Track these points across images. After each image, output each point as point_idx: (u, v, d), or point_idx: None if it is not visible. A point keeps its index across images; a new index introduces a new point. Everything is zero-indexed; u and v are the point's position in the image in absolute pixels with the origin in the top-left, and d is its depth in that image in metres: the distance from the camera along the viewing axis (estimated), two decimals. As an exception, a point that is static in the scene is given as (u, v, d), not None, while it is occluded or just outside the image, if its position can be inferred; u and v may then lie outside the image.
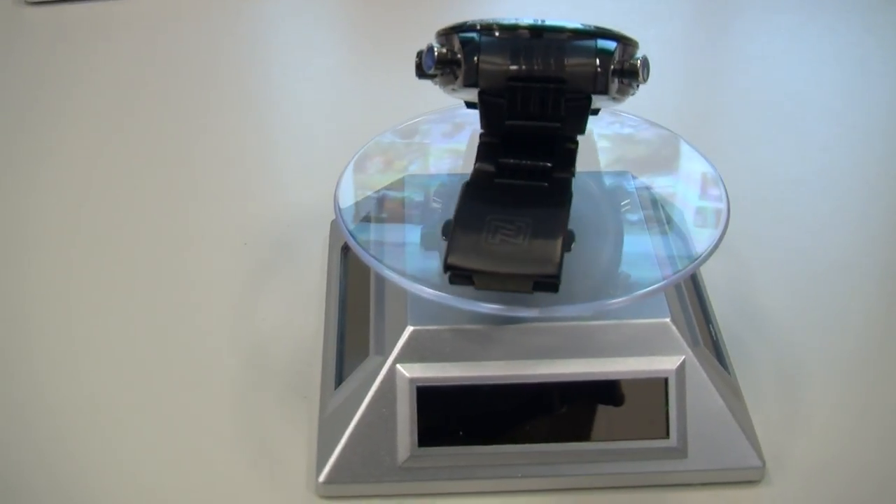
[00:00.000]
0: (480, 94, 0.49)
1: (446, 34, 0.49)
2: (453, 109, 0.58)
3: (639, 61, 0.48)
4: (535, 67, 0.48)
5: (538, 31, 0.48)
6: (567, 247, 0.47)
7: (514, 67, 0.48)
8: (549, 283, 0.46)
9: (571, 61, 0.48)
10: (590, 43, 0.48)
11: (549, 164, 0.49)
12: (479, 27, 0.49)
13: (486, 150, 0.50)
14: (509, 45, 0.49)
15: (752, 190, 0.68)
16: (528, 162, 0.49)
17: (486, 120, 0.50)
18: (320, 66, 0.82)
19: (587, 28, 0.49)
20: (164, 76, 0.79)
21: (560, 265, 0.45)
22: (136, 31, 0.83)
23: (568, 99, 0.48)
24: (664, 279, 0.50)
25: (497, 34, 0.49)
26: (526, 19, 0.49)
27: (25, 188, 0.69)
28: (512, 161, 0.50)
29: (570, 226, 0.48)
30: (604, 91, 0.48)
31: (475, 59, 0.48)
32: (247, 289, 0.62)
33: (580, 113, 0.48)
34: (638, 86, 0.50)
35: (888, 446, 0.54)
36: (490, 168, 0.50)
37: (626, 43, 0.49)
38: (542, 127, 0.49)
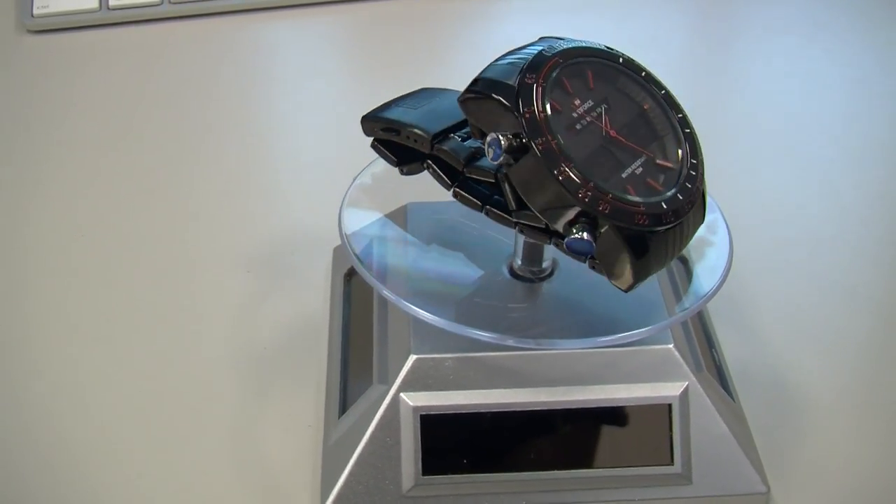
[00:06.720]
0: None
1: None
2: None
3: (489, 137, 0.44)
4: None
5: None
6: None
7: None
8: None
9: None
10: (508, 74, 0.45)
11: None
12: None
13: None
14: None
15: (754, 214, 0.68)
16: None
17: None
18: (321, 88, 0.82)
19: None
20: (165, 101, 0.79)
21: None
22: (137, 58, 0.83)
23: None
24: (668, 317, 0.50)
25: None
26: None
27: (24, 214, 0.69)
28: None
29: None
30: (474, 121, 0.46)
31: None
32: (249, 316, 0.62)
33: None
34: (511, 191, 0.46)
35: (894, 472, 0.54)
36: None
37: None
38: None
